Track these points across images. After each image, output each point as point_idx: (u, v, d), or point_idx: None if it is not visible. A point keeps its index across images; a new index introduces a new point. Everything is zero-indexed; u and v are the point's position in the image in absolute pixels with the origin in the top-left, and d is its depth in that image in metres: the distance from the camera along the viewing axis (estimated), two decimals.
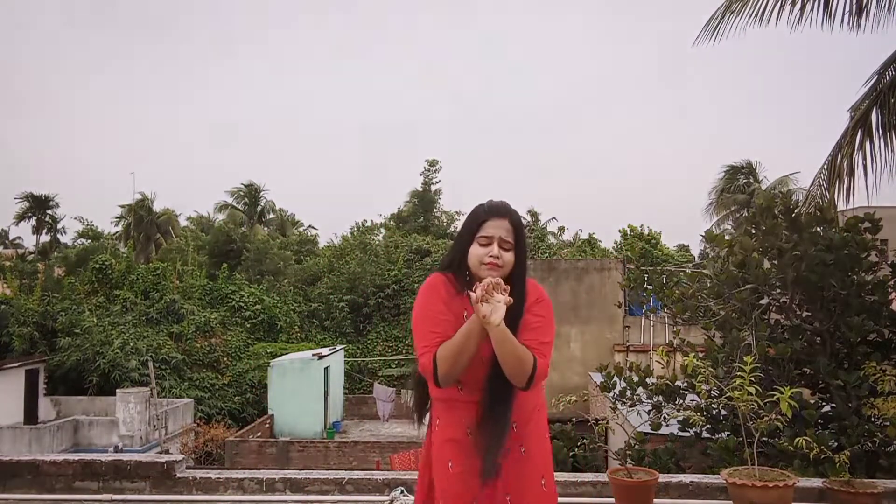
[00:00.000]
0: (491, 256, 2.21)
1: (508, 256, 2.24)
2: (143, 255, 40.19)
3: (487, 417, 2.24)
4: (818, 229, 6.55)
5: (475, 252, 2.25)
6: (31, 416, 22.57)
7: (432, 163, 40.70)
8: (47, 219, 49.25)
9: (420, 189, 41.21)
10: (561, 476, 4.49)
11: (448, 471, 2.26)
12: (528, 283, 2.33)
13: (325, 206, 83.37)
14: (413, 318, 2.28)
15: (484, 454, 2.22)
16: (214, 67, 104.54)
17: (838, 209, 7.42)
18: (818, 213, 6.78)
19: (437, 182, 41.02)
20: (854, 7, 7.18)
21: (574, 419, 7.53)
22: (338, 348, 26.81)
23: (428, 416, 2.46)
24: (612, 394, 6.94)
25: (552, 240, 42.18)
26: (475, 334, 2.11)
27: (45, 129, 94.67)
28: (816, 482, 4.21)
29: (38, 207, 48.52)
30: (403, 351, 29.91)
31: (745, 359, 3.86)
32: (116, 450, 19.09)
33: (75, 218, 39.06)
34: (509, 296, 2.07)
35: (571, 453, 6.82)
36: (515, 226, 2.26)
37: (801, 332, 6.46)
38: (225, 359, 27.72)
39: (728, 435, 6.09)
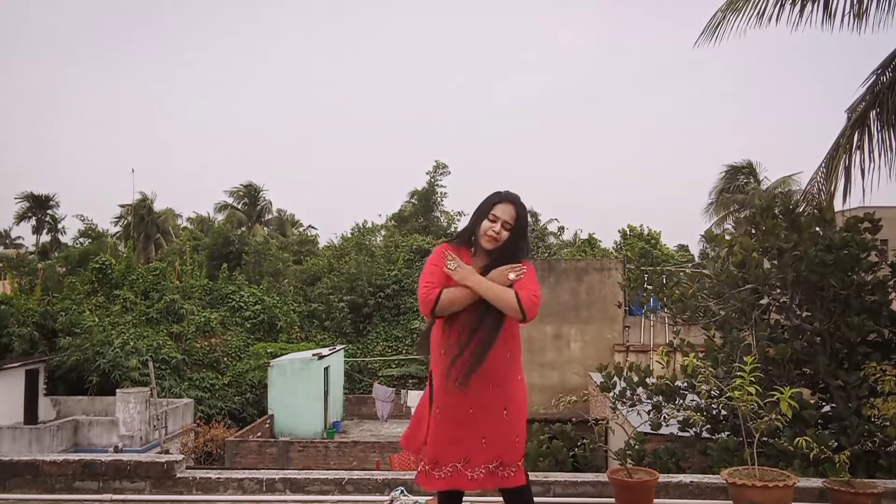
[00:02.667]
0: (493, 231, 2.81)
1: (505, 235, 2.81)
2: (143, 255, 40.17)
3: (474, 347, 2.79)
4: (818, 229, 6.55)
5: (484, 225, 2.85)
6: (31, 416, 22.57)
7: (440, 165, 40.46)
8: (47, 219, 49.22)
9: (421, 189, 41.08)
10: (561, 476, 4.49)
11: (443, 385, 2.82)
12: (528, 265, 2.84)
13: (326, 206, 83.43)
14: (423, 269, 2.88)
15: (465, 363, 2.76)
16: (215, 66, 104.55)
17: (836, 209, 7.41)
18: (818, 213, 6.78)
19: (443, 186, 40.75)
20: (853, 7, 7.18)
21: (574, 419, 7.55)
22: (338, 348, 26.80)
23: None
24: (612, 394, 6.93)
25: (552, 240, 42.19)
26: (462, 289, 2.78)
27: (45, 129, 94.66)
28: (816, 482, 4.21)
29: (39, 207, 48.47)
30: (403, 351, 29.90)
31: (745, 359, 3.86)
32: (116, 450, 19.08)
33: (76, 216, 39.01)
34: (502, 256, 2.79)
35: (571, 453, 6.83)
36: (519, 213, 2.83)
37: (801, 332, 6.46)
38: (225, 359, 27.71)
39: (728, 435, 6.09)
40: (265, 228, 47.63)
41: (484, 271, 2.80)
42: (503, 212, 2.82)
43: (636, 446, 6.29)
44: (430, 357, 2.92)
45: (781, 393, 3.71)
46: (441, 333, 2.85)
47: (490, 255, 2.84)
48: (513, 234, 2.82)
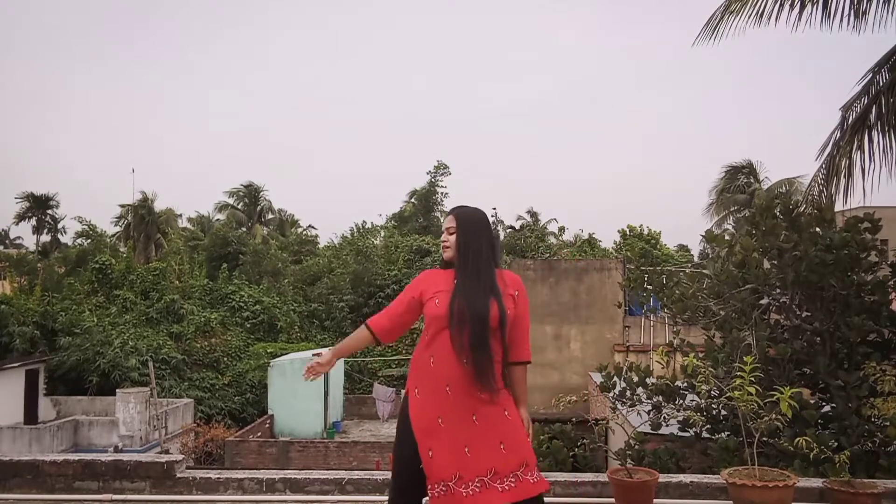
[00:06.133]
0: (442, 241, 3.03)
1: (453, 239, 2.96)
2: (143, 255, 40.15)
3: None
4: (818, 229, 6.54)
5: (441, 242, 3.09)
6: (31, 416, 22.57)
7: (441, 166, 40.42)
8: (47, 219, 49.20)
9: (421, 189, 41.06)
10: (561, 476, 4.49)
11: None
12: (507, 273, 3.02)
13: (326, 206, 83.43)
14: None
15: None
16: (215, 66, 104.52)
17: (836, 209, 7.41)
18: (818, 214, 6.77)
19: (443, 186, 40.71)
20: (853, 6, 7.18)
21: (574, 419, 7.54)
22: None
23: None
24: (612, 394, 6.93)
25: (552, 240, 42.16)
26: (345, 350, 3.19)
27: (45, 130, 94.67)
28: (816, 482, 4.21)
29: (38, 207, 48.44)
30: (403, 351, 29.88)
31: (745, 359, 3.86)
32: (116, 450, 19.09)
33: (75, 218, 38.93)
34: (460, 253, 2.92)
35: (571, 453, 6.82)
36: (457, 216, 2.99)
37: (801, 332, 6.45)
38: (225, 359, 27.70)
39: (728, 435, 6.09)
40: (265, 228, 47.60)
41: (462, 279, 2.86)
42: (446, 222, 3.04)
43: (636, 446, 6.29)
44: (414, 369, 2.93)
45: (781, 393, 3.71)
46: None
47: (456, 260, 2.94)
48: (459, 232, 2.94)
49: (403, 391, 2.96)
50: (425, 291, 2.92)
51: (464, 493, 2.67)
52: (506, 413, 2.80)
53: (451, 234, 2.96)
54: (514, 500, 2.70)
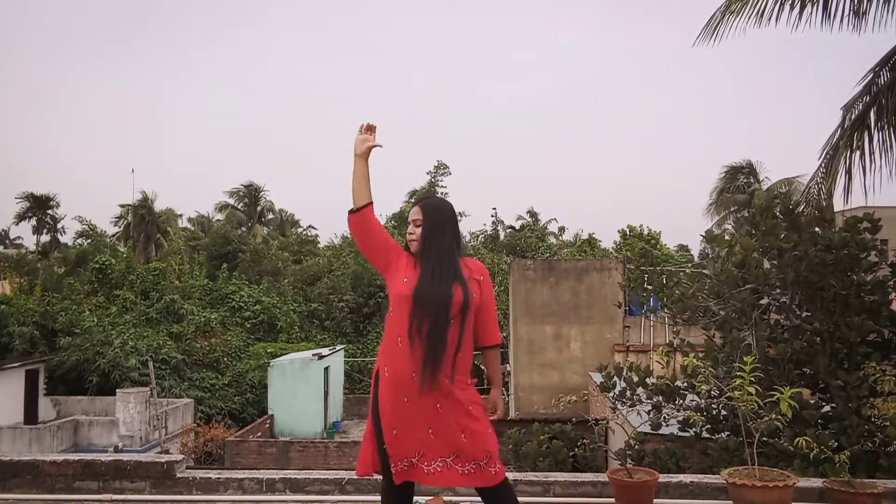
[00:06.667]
0: (409, 233, 3.03)
1: (419, 231, 2.98)
2: (143, 255, 40.15)
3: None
4: (818, 229, 6.54)
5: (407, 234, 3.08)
6: (31, 416, 22.57)
7: (441, 165, 40.40)
8: (47, 219, 49.19)
9: (421, 189, 41.04)
10: (561, 476, 4.49)
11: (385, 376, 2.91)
12: (471, 260, 3.06)
13: (326, 206, 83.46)
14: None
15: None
16: (215, 66, 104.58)
17: (836, 209, 7.41)
18: (818, 214, 6.77)
19: (443, 186, 40.69)
20: (853, 6, 7.18)
21: (574, 419, 7.55)
22: (338, 348, 26.78)
23: None
24: (612, 394, 6.93)
25: (552, 240, 42.17)
26: (357, 165, 3.03)
27: (45, 130, 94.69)
28: (816, 482, 4.21)
29: (38, 207, 48.42)
30: None
31: (745, 359, 3.86)
32: (116, 450, 19.09)
33: (75, 218, 38.94)
34: (424, 245, 2.94)
35: (571, 453, 6.83)
36: (423, 207, 3.03)
37: (801, 332, 6.46)
38: (225, 359, 27.70)
39: (728, 435, 6.09)
40: (265, 229, 47.60)
41: (428, 266, 2.90)
42: (411, 215, 3.06)
43: (636, 446, 6.29)
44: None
45: (781, 393, 3.70)
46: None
47: (420, 252, 2.97)
48: (425, 225, 2.97)
49: (374, 368, 3.00)
50: (399, 259, 2.97)
51: (425, 470, 2.84)
52: (470, 409, 2.85)
53: (418, 226, 2.99)
54: (473, 485, 2.86)
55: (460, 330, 2.85)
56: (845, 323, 6.03)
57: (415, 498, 3.18)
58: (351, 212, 2.96)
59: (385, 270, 3.00)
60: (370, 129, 3.03)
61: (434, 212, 3.02)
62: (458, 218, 3.20)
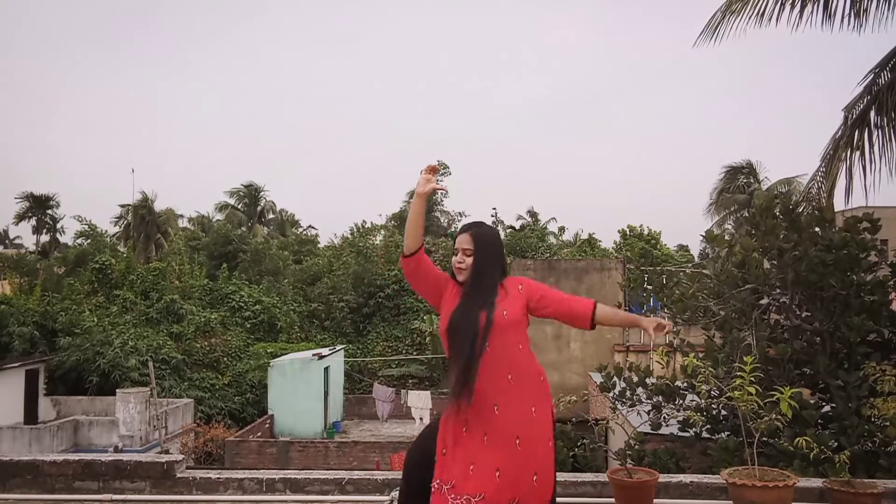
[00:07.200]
0: (457, 261, 2.99)
1: (470, 261, 2.96)
2: (143, 255, 40.14)
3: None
4: (818, 229, 6.54)
5: (453, 261, 3.04)
6: (31, 416, 22.55)
7: (441, 165, 40.42)
8: (47, 219, 49.19)
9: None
10: (561, 476, 4.48)
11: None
12: (509, 279, 3.01)
13: (326, 206, 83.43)
14: None
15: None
16: (215, 66, 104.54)
17: (836, 209, 7.41)
18: (818, 214, 6.77)
19: (443, 186, 40.63)
20: (853, 6, 7.18)
21: (574, 419, 7.54)
22: (338, 348, 26.77)
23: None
24: (612, 394, 6.94)
25: (552, 240, 42.15)
26: (415, 203, 3.00)
27: (45, 130, 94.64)
28: (816, 482, 4.21)
29: (38, 207, 48.45)
30: (403, 351, 29.89)
31: (745, 359, 3.86)
32: (116, 450, 19.07)
33: (75, 217, 38.93)
34: (473, 279, 2.92)
35: (571, 453, 6.82)
36: (474, 237, 2.98)
37: (801, 332, 6.46)
38: (225, 359, 27.68)
39: (728, 435, 6.09)
40: (265, 229, 47.59)
41: (465, 299, 2.91)
42: (461, 242, 3.01)
43: (636, 446, 6.29)
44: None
45: (781, 393, 3.70)
46: None
47: (467, 283, 2.96)
48: (476, 257, 2.94)
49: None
50: (447, 290, 2.99)
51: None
52: (549, 444, 2.87)
53: (468, 255, 2.96)
54: None
55: (487, 346, 2.82)
56: (845, 323, 6.03)
57: None
58: (404, 256, 2.98)
59: (439, 308, 3.03)
60: (433, 170, 3.02)
61: (486, 248, 2.98)
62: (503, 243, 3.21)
